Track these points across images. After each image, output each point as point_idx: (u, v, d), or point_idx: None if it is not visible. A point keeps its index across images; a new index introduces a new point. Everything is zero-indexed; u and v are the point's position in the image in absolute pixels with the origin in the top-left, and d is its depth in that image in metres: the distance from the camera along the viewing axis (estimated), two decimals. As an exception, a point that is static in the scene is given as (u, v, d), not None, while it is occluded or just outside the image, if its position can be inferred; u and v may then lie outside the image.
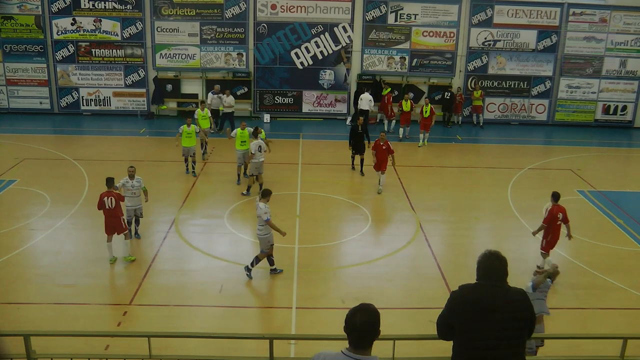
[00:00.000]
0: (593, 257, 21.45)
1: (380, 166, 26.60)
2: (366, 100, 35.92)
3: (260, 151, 25.39)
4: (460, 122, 39.75)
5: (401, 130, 35.52)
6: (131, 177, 21.04)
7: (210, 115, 31.68)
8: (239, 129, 26.88)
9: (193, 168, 28.12)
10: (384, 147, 26.43)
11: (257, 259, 19.22)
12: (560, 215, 20.00)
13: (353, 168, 29.61)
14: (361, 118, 30.31)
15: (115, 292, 18.18)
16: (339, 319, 17.68)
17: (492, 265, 7.35)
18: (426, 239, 22.55)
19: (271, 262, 19.42)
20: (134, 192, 20.96)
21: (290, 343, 15.21)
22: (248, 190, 25.83)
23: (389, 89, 37.94)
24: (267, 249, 19.09)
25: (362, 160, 29.30)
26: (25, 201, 24.80)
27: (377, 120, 38.94)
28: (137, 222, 21.71)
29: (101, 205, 19.84)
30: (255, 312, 17.89)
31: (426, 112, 34.03)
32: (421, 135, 34.51)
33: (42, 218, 23.20)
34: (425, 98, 34.72)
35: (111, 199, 19.75)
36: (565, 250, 22.01)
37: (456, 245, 22.71)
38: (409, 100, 35.48)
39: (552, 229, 20.00)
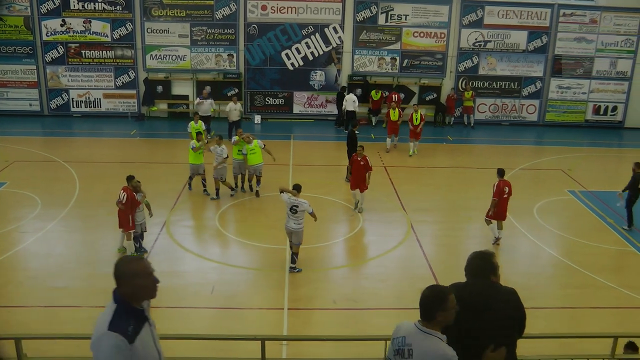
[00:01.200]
0: (584, 257, 21.49)
1: (357, 184, 24.56)
2: (350, 101, 35.82)
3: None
4: (451, 123, 39.79)
5: (388, 140, 33.55)
6: (135, 190, 20.54)
7: (204, 128, 29.79)
8: (236, 137, 26.21)
9: (204, 186, 26.15)
10: (361, 163, 24.40)
11: (296, 254, 19.69)
12: (506, 189, 22.02)
13: (347, 179, 26.92)
14: (357, 123, 29.84)
15: (107, 294, 17.98)
16: (330, 319, 17.76)
17: (480, 265, 7.41)
18: (417, 239, 22.54)
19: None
20: (138, 207, 20.78)
21: (282, 344, 15.18)
22: (217, 193, 25.63)
23: (380, 93, 38.16)
24: (302, 240, 19.61)
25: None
26: (16, 204, 24.70)
27: (367, 122, 38.95)
28: (142, 237, 21.21)
29: (118, 198, 20.01)
30: (247, 313, 17.84)
31: (416, 119, 32.44)
32: (411, 144, 32.85)
33: (32, 221, 23.08)
34: (414, 105, 33.87)
35: (124, 194, 19.78)
36: (556, 250, 22.10)
37: (447, 245, 22.71)
38: (396, 109, 33.34)
39: (499, 201, 21.87)
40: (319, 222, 21.58)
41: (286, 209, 19.59)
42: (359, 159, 24.49)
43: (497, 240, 22.00)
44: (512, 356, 7.41)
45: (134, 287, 6.63)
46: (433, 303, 6.73)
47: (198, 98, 34.90)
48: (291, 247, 19.85)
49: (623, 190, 24.22)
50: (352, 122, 32.11)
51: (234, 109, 33.49)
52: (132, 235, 20.36)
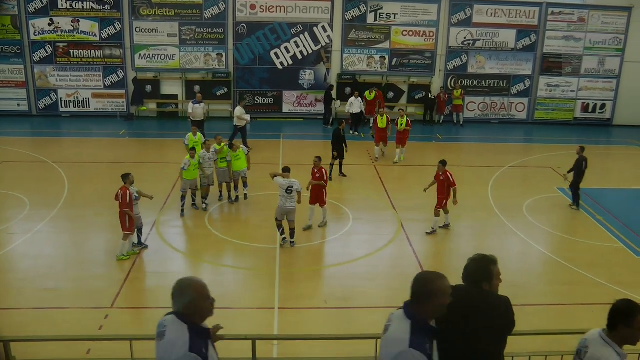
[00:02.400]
0: (573, 254, 21.56)
1: (316, 199, 22.91)
2: (357, 104, 35.62)
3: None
4: (441, 121, 39.83)
5: (376, 149, 31.82)
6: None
7: (203, 140, 26.31)
8: (215, 145, 25.21)
9: (193, 201, 24.56)
10: (317, 175, 22.85)
11: (294, 230, 21.38)
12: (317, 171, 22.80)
13: (330, 179, 26.60)
14: (343, 123, 28.99)
15: (96, 296, 18.01)
16: (321, 318, 17.75)
17: (474, 269, 7.44)
18: (407, 238, 22.54)
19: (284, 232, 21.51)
20: (135, 203, 20.78)
21: (273, 343, 15.17)
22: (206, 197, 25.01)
23: (374, 92, 37.60)
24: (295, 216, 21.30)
25: (341, 164, 28.71)
26: (4, 205, 24.60)
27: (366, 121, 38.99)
28: (141, 232, 21.36)
29: (116, 197, 20.13)
30: (237, 313, 17.80)
31: (401, 124, 30.95)
32: (397, 151, 31.44)
33: (21, 222, 23.01)
34: (400, 110, 33.15)
35: (121, 193, 19.86)
36: (546, 247, 22.16)
37: (437, 244, 22.69)
38: (384, 115, 31.54)
39: (442, 189, 22.88)
40: (309, 220, 21.64)
41: (281, 191, 20.80)
42: (315, 170, 22.87)
43: (447, 226, 23.33)
44: (499, 358, 7.43)
45: (434, 307, 6.52)
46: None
47: (191, 102, 33.06)
48: (289, 225, 21.31)
49: (568, 172, 25.65)
50: (357, 124, 35.23)
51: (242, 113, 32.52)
52: (129, 236, 20.29)
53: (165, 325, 6.78)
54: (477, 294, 7.33)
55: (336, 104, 37.91)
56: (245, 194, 25.61)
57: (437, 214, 22.88)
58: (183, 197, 23.92)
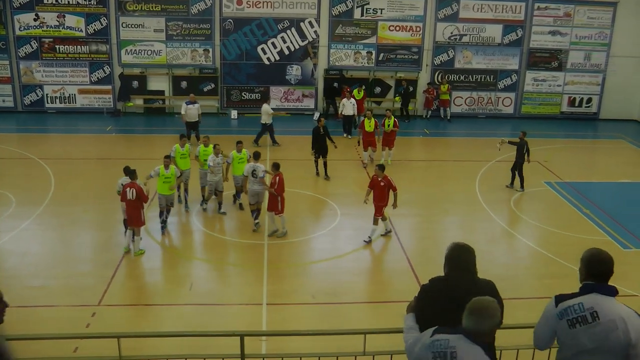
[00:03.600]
0: (561, 247, 21.60)
1: (271, 206, 21.72)
2: (350, 105, 34.71)
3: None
4: (428, 116, 39.79)
5: (365, 154, 30.07)
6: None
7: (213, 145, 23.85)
8: (202, 146, 24.20)
9: (166, 220, 22.34)
10: (272, 182, 21.64)
11: (259, 211, 22.40)
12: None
13: (317, 174, 28.13)
14: (322, 119, 28.64)
15: (84, 293, 17.94)
16: (309, 314, 17.74)
17: (460, 257, 7.47)
18: (395, 232, 22.56)
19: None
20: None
21: (261, 339, 15.18)
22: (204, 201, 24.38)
23: (363, 91, 37.49)
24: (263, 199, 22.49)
25: (325, 164, 27.98)
26: (-10, 201, 24.51)
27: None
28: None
29: (124, 196, 20.09)
30: (225, 309, 17.79)
31: (388, 125, 29.64)
32: (383, 153, 30.03)
33: (7, 219, 22.90)
34: (387, 110, 31.12)
35: (133, 190, 19.85)
36: (534, 241, 22.24)
37: (425, 238, 22.78)
38: (372, 119, 29.66)
39: (382, 196, 21.68)
40: (296, 216, 21.58)
41: (249, 176, 22.15)
42: (276, 179, 21.54)
43: (388, 233, 22.47)
44: (491, 347, 7.45)
45: None
46: None
47: (184, 103, 32.23)
48: (256, 206, 22.36)
49: (508, 142, 27.32)
50: (349, 127, 34.57)
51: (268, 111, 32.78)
52: (140, 232, 20.47)
53: None
54: (476, 281, 7.42)
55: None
56: (240, 203, 24.54)
57: (376, 222, 21.67)
58: (161, 213, 22.15)
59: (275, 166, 21.68)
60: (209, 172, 23.15)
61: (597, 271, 7.30)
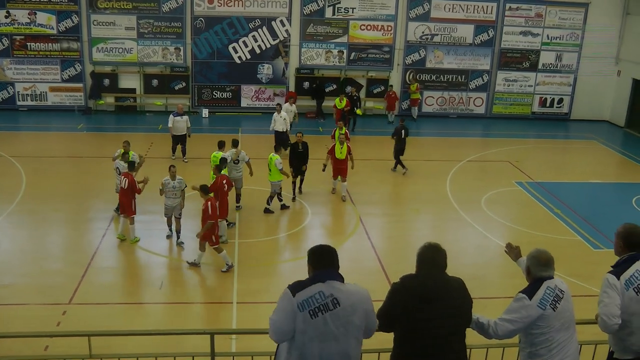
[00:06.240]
0: (532, 247, 21.14)
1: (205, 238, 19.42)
2: (281, 121, 30.75)
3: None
4: (392, 120, 39.50)
5: (334, 182, 26.28)
6: (172, 177, 20.58)
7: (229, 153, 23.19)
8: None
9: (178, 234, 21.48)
10: (202, 208, 19.24)
11: (239, 196, 23.47)
12: (224, 182, 20.98)
13: (294, 199, 25.53)
14: (300, 134, 25.59)
15: (54, 291, 17.86)
16: (280, 313, 17.50)
17: (432, 257, 7.54)
18: (366, 232, 22.63)
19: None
20: (174, 193, 20.70)
21: (232, 338, 15.18)
22: None
23: (345, 99, 35.03)
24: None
25: (302, 180, 25.84)
26: (-41, 199, 24.34)
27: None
28: (178, 223, 21.15)
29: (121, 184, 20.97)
30: (196, 307, 17.79)
31: (341, 153, 25.35)
32: (333, 181, 26.34)
33: (-23, 216, 22.78)
34: (339, 122, 29.21)
35: (125, 180, 20.52)
36: (504, 241, 22.02)
37: (396, 237, 22.84)
38: (345, 143, 25.57)
39: (220, 195, 20.49)
40: (267, 214, 21.64)
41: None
42: (207, 204, 19.09)
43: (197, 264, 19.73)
44: (462, 345, 7.55)
45: None
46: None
47: (171, 115, 29.68)
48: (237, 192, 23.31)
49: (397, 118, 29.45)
50: (283, 145, 29.24)
51: (289, 111, 32.14)
52: (134, 220, 20.93)
53: None
54: (447, 279, 7.54)
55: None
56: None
57: (202, 249, 19.35)
58: (170, 223, 21.53)
59: (204, 189, 19.38)
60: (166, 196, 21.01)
61: (635, 242, 8.27)
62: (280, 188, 24.12)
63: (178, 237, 21.28)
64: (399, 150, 28.87)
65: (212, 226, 18.94)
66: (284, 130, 30.68)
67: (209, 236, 19.13)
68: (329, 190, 26.17)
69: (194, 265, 19.40)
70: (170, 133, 29.68)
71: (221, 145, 22.90)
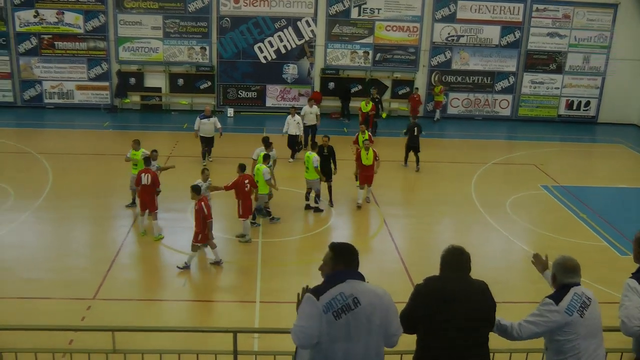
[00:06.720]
0: (556, 251, 21.17)
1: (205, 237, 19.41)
2: (294, 123, 30.17)
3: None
4: (439, 118, 39.51)
5: (360, 192, 25.19)
6: (205, 180, 20.84)
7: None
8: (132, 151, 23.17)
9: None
10: (196, 207, 19.20)
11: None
12: (247, 181, 21.15)
13: (332, 205, 24.99)
14: (327, 137, 25.14)
15: (79, 287, 17.97)
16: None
17: (456, 259, 7.54)
18: (390, 233, 22.61)
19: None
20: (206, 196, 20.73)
21: (254, 337, 15.21)
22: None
23: (371, 103, 34.52)
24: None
25: (330, 188, 24.85)
26: (-13, 195, 24.52)
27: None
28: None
29: (138, 181, 20.95)
30: (219, 306, 17.86)
31: (367, 159, 24.72)
32: (359, 191, 25.34)
33: (5, 212, 22.98)
34: (362, 125, 28.24)
35: (148, 176, 20.78)
36: (528, 245, 22.17)
37: (419, 239, 22.79)
38: (370, 149, 24.79)
39: (241, 195, 21.06)
40: (291, 214, 21.60)
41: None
42: (201, 204, 18.99)
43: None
44: (485, 348, 7.53)
45: None
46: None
47: (198, 117, 29.12)
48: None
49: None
50: (293, 149, 30.15)
51: (309, 112, 31.75)
52: (157, 216, 21.27)
53: None
54: (470, 282, 7.52)
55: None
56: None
57: (195, 249, 19.34)
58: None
59: (195, 190, 19.13)
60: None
61: None
62: (319, 190, 24.19)
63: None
64: (412, 148, 29.37)
65: (209, 225, 19.18)
66: (297, 134, 30.34)
67: (207, 236, 19.30)
68: (353, 192, 25.88)
69: (186, 268, 19.27)
70: (194, 135, 29.21)
71: (267, 144, 22.96)
